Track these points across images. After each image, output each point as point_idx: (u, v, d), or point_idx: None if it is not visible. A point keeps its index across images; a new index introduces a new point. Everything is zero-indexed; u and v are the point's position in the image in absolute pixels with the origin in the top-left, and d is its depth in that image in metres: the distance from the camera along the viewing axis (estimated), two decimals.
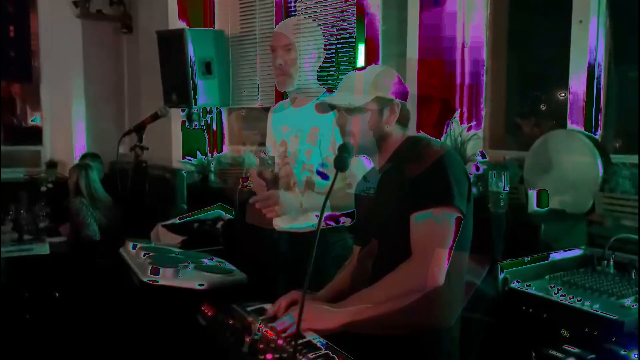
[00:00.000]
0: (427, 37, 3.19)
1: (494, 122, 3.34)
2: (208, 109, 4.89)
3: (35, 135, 5.88)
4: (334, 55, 3.79)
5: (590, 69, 2.81)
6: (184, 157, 4.94)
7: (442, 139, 3.08)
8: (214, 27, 4.91)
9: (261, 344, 1.56)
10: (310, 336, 1.60)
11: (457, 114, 3.24)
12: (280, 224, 2.46)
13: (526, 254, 2.06)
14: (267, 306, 1.89)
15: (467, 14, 3.26)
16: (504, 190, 2.65)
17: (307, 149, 2.38)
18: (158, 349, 2.14)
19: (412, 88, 1.94)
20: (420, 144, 1.83)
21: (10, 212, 4.13)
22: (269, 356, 1.48)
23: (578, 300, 1.77)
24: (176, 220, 3.71)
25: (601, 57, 2.81)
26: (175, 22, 4.87)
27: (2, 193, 4.36)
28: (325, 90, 2.47)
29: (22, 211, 4.14)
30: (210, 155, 4.91)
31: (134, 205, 3.29)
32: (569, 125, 2.88)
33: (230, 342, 1.66)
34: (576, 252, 2.21)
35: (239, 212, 2.90)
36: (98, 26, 5.63)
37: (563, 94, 3.03)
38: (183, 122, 4.87)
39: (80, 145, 5.64)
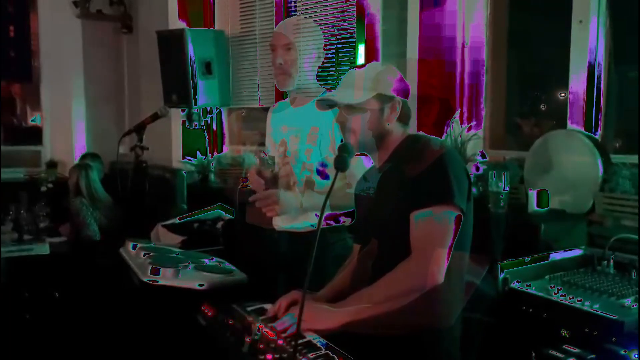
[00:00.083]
0: (427, 37, 3.19)
1: (494, 122, 3.34)
2: (208, 109, 4.89)
3: (35, 135, 5.88)
4: (334, 55, 3.79)
5: (590, 69, 2.81)
6: (184, 157, 4.94)
7: (442, 138, 3.08)
8: (214, 27, 4.91)
9: (261, 344, 1.56)
10: (310, 336, 1.60)
11: (457, 114, 3.24)
12: (280, 223, 2.46)
13: (526, 254, 2.06)
14: (267, 306, 1.89)
15: (467, 14, 3.27)
16: (504, 190, 2.65)
17: (307, 148, 2.38)
18: (158, 349, 2.14)
19: (412, 88, 1.94)
20: (421, 142, 1.83)
21: (10, 212, 4.13)
22: (269, 356, 1.48)
23: (578, 300, 1.77)
24: (176, 220, 3.70)
25: (601, 57, 2.81)
26: (175, 22, 4.87)
27: (2, 193, 4.36)
28: (325, 90, 2.47)
29: (22, 211, 4.14)
30: (210, 155, 4.91)
31: (134, 205, 3.29)
32: (569, 125, 2.88)
33: (230, 342, 1.66)
34: (576, 252, 2.21)
35: (239, 212, 2.91)
36: (98, 26, 5.63)
37: (563, 94, 3.03)
38: (183, 122, 4.87)
39: (80, 145, 5.64)
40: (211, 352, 1.80)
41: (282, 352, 1.50)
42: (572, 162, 2.70)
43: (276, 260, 2.49)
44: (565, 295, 1.82)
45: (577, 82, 2.85)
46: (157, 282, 1.98)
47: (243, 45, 4.69)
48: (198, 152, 4.89)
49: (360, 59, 3.58)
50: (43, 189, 5.20)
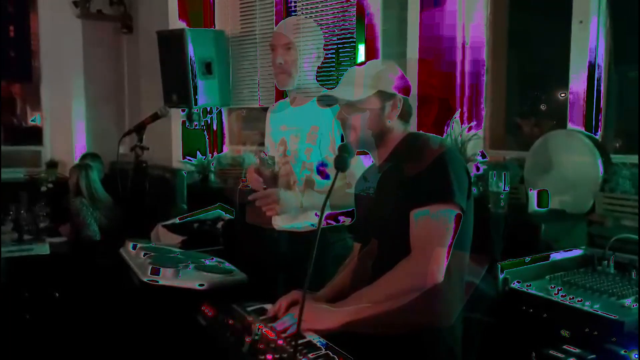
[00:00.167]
0: (427, 37, 3.19)
1: (494, 122, 3.34)
2: (208, 109, 4.89)
3: (35, 135, 5.88)
4: (334, 55, 3.79)
5: (591, 69, 2.81)
6: (184, 157, 4.94)
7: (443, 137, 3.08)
8: (214, 27, 4.91)
9: (261, 344, 1.56)
10: (310, 336, 1.60)
11: (457, 114, 3.24)
12: (280, 222, 2.45)
13: (526, 254, 2.06)
14: (267, 306, 1.89)
15: (467, 14, 3.26)
16: (504, 190, 2.65)
17: (306, 147, 2.38)
18: (158, 349, 2.14)
19: (413, 88, 1.94)
20: (421, 140, 1.82)
21: (11, 212, 4.13)
22: (269, 356, 1.48)
23: (578, 301, 1.77)
24: (176, 220, 3.71)
25: (601, 57, 2.81)
26: (176, 22, 4.87)
27: (2, 193, 4.36)
28: (325, 90, 2.46)
29: (22, 211, 4.14)
30: (210, 155, 4.91)
31: (134, 206, 3.29)
32: (569, 125, 2.88)
33: (230, 342, 1.66)
34: (576, 252, 2.21)
35: (239, 212, 2.90)
36: (98, 26, 5.63)
37: (563, 94, 3.03)
38: (183, 122, 4.87)
39: (80, 145, 5.64)
40: (211, 352, 1.80)
41: (282, 352, 1.50)
42: (572, 162, 2.70)
43: (276, 260, 2.49)
44: (565, 295, 1.82)
45: (577, 82, 2.85)
46: (157, 282, 1.98)
47: (243, 45, 4.69)
48: (198, 152, 4.89)
49: (361, 59, 3.59)
50: (43, 189, 5.20)
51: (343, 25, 3.77)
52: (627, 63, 2.82)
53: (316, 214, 2.32)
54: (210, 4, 4.95)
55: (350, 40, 3.71)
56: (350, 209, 2.29)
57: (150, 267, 2.01)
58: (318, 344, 1.55)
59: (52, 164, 5.56)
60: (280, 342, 1.58)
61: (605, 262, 2.09)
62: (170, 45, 4.51)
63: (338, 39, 3.78)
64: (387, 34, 3.37)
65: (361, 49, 3.59)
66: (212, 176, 4.73)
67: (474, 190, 2.80)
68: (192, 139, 4.98)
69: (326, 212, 1.68)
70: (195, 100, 4.47)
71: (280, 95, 3.59)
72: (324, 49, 2.48)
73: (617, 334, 1.61)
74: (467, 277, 1.80)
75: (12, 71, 5.80)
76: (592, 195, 2.63)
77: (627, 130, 2.87)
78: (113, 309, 2.95)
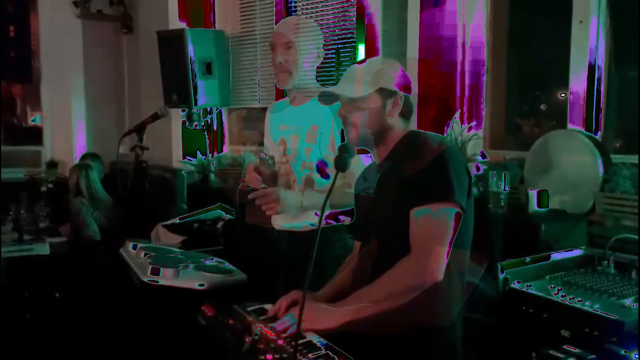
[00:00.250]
0: (427, 37, 3.19)
1: (494, 122, 3.34)
2: (208, 109, 4.89)
3: (35, 135, 5.88)
4: (334, 55, 3.79)
5: (591, 69, 2.81)
6: (184, 157, 4.94)
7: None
8: (214, 27, 4.91)
9: (261, 344, 1.56)
10: (310, 336, 1.60)
11: (457, 114, 3.24)
12: (280, 222, 2.45)
13: (527, 254, 2.06)
14: (267, 306, 1.89)
15: (467, 14, 3.27)
16: (504, 190, 2.65)
17: (306, 147, 2.38)
18: (158, 349, 2.14)
19: (413, 88, 1.95)
20: (421, 138, 1.82)
21: (11, 212, 4.12)
22: (269, 356, 1.48)
23: (578, 301, 1.77)
24: (176, 220, 3.70)
25: (601, 57, 2.81)
26: (176, 22, 4.87)
27: (2, 193, 4.36)
28: (325, 89, 2.46)
29: (22, 211, 4.14)
30: (210, 155, 4.91)
31: (134, 205, 3.29)
32: (569, 125, 2.88)
33: (230, 342, 1.66)
34: (576, 253, 2.20)
35: (239, 212, 2.90)
36: (98, 26, 5.63)
37: (563, 94, 3.03)
38: (183, 122, 4.87)
39: (80, 145, 5.64)
40: (211, 352, 1.80)
41: (282, 352, 1.50)
42: (572, 162, 2.70)
43: (276, 260, 2.49)
44: (565, 295, 1.82)
45: (577, 82, 2.85)
46: (157, 282, 1.97)
47: (243, 45, 4.69)
48: (198, 152, 4.89)
49: (361, 59, 3.58)
50: (43, 189, 5.20)
51: (343, 25, 3.77)
52: (627, 63, 2.82)
53: (316, 214, 2.32)
54: (210, 4, 4.96)
55: (350, 40, 3.71)
56: (350, 208, 2.29)
57: (150, 267, 2.01)
58: (318, 344, 1.55)
59: (52, 164, 5.56)
60: (280, 342, 1.58)
61: (606, 262, 2.09)
62: (170, 45, 4.51)
63: (338, 39, 3.78)
64: (387, 34, 3.37)
65: (361, 49, 3.59)
66: (212, 176, 4.73)
67: (474, 190, 2.80)
68: (192, 139, 4.98)
69: (326, 212, 1.68)
70: (195, 100, 4.47)
71: (280, 95, 3.58)
72: (324, 49, 2.48)
73: (617, 334, 1.61)
74: (467, 276, 1.80)
75: (12, 71, 5.80)
76: (592, 195, 2.63)
77: (627, 130, 2.87)
78: (113, 309, 2.95)
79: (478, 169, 3.01)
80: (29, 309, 3.50)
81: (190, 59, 4.41)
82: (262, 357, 1.49)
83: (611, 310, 1.69)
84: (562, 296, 1.82)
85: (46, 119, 5.83)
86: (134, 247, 2.35)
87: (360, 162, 2.12)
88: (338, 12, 3.81)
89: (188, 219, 3.71)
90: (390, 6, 3.35)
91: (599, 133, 2.83)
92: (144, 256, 2.21)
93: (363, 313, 1.64)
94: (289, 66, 2.37)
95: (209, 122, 4.98)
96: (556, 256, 2.14)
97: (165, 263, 2.08)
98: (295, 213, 2.34)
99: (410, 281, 1.63)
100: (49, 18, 5.61)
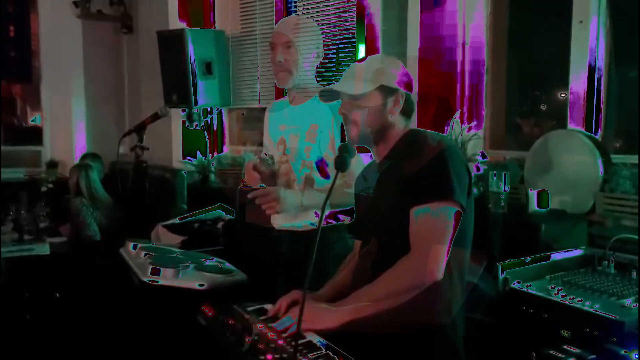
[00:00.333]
0: (428, 37, 3.19)
1: (494, 122, 3.34)
2: (208, 109, 4.89)
3: (35, 135, 5.88)
4: (334, 55, 3.79)
5: (591, 69, 2.81)
6: (184, 157, 4.94)
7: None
8: (214, 27, 4.91)
9: (261, 344, 1.56)
10: (310, 336, 1.60)
11: (457, 114, 3.24)
12: (280, 222, 2.45)
13: (527, 254, 2.06)
14: (268, 306, 1.89)
15: (467, 14, 3.27)
16: (504, 190, 2.65)
17: (306, 146, 2.38)
18: (158, 349, 2.14)
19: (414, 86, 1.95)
20: (421, 137, 1.81)
21: (11, 212, 4.12)
22: (269, 356, 1.48)
23: (578, 301, 1.77)
24: (176, 221, 3.70)
25: (601, 57, 2.81)
26: (176, 22, 4.87)
27: (2, 193, 4.36)
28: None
29: (22, 211, 4.14)
30: (210, 155, 4.91)
31: (134, 205, 3.29)
32: (569, 125, 2.88)
33: (230, 342, 1.66)
34: (577, 253, 2.20)
35: (239, 212, 2.90)
36: (98, 26, 5.63)
37: (563, 94, 3.03)
38: (183, 122, 4.87)
39: (80, 145, 5.64)
40: (211, 352, 1.80)
41: (282, 352, 1.50)
42: (572, 162, 2.70)
43: (276, 260, 2.49)
44: (565, 295, 1.82)
45: (578, 82, 2.85)
46: (158, 282, 1.97)
47: (243, 45, 4.69)
48: (198, 152, 4.89)
49: None
50: (43, 189, 5.19)
51: (343, 25, 3.77)
52: (627, 63, 2.82)
53: (316, 213, 2.32)
54: (210, 4, 4.96)
55: (350, 40, 3.71)
56: (350, 208, 2.29)
57: (150, 267, 2.01)
58: (318, 344, 1.55)
59: (52, 164, 5.56)
60: (280, 342, 1.58)
61: (606, 262, 2.09)
62: (171, 45, 4.51)
63: (338, 39, 3.78)
64: (387, 34, 3.37)
65: (361, 49, 3.59)
66: (212, 176, 4.73)
67: (474, 190, 2.80)
68: (192, 139, 4.98)
69: (326, 212, 1.68)
70: (196, 100, 4.47)
71: (280, 95, 3.58)
72: (324, 49, 2.48)
73: (617, 334, 1.61)
74: (467, 275, 1.80)
75: (12, 71, 5.79)
76: (592, 195, 2.63)
77: (627, 130, 2.87)
78: (113, 309, 2.95)
79: (478, 169, 3.01)
80: (29, 309, 3.50)
81: (191, 59, 4.41)
82: (262, 357, 1.49)
83: (611, 310, 1.69)
84: (562, 296, 1.82)
85: (46, 119, 5.82)
86: (134, 247, 2.35)
87: (360, 162, 2.12)
88: (338, 12, 3.81)
89: (188, 219, 3.71)
90: (390, 6, 3.35)
91: (599, 133, 2.83)
92: (144, 256, 2.21)
93: (363, 312, 1.64)
94: (289, 65, 2.37)
95: (209, 122, 4.98)
96: (556, 256, 2.14)
97: (165, 263, 2.08)
98: (295, 212, 2.34)
99: (410, 280, 1.63)
100: (49, 18, 5.61)
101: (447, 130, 3.14)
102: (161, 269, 2.00)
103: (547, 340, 1.73)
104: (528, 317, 1.86)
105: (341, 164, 1.72)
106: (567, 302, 1.77)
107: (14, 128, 6.05)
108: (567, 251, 2.20)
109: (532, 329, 1.83)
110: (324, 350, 1.51)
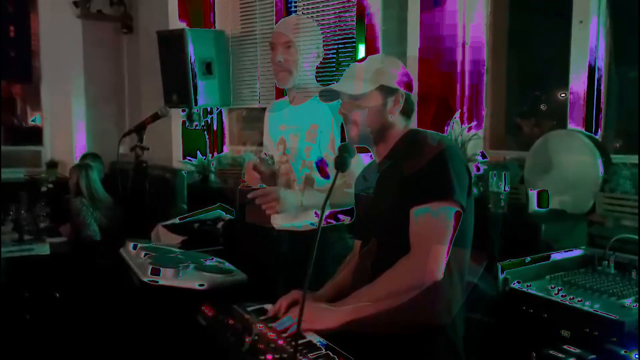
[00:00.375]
0: (428, 37, 3.19)
1: (494, 122, 3.34)
2: (208, 109, 4.90)
3: (35, 135, 5.88)
4: (334, 55, 3.79)
5: (591, 69, 2.81)
6: (184, 157, 4.94)
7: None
8: (214, 27, 4.91)
9: (261, 344, 1.56)
10: (310, 336, 1.60)
11: (457, 114, 3.24)
12: (280, 222, 2.45)
13: (527, 254, 2.06)
14: (268, 306, 1.89)
15: (467, 14, 3.27)
16: (504, 190, 2.65)
17: (306, 146, 2.38)
18: (158, 349, 2.14)
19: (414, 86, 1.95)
20: (421, 136, 1.81)
21: (11, 212, 4.12)
22: (269, 356, 1.48)
23: (578, 301, 1.77)
24: (176, 220, 3.70)
25: (601, 57, 2.81)
26: (176, 22, 4.88)
27: (2, 193, 4.36)
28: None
29: (22, 211, 4.14)
30: (210, 155, 4.91)
31: (134, 205, 3.29)
32: (569, 125, 2.88)
33: (230, 342, 1.66)
34: (577, 253, 2.20)
35: (239, 212, 2.90)
36: (98, 26, 5.63)
37: (563, 94, 3.03)
38: (183, 122, 4.88)
39: (80, 145, 5.64)
40: (211, 352, 1.80)
41: (282, 352, 1.50)
42: (572, 162, 2.70)
43: (276, 260, 2.49)
44: (565, 295, 1.82)
45: (578, 82, 2.85)
46: (158, 282, 1.97)
47: (243, 45, 4.69)
48: (198, 152, 4.89)
49: None
50: (43, 189, 5.19)
51: (343, 25, 3.77)
52: (627, 63, 2.82)
53: (316, 213, 2.32)
54: (210, 4, 4.96)
55: (350, 40, 3.71)
56: (350, 208, 2.29)
57: (150, 267, 2.01)
58: (318, 344, 1.55)
59: (52, 164, 5.56)
60: (280, 342, 1.58)
61: (606, 262, 2.09)
62: (171, 45, 4.51)
63: (338, 39, 3.78)
64: (387, 34, 3.37)
65: (361, 49, 3.59)
66: (212, 176, 4.73)
67: (474, 190, 2.80)
68: (192, 139, 4.98)
69: (326, 212, 1.68)
70: (196, 100, 4.47)
71: (280, 95, 3.59)
72: (324, 49, 2.48)
73: (618, 334, 1.61)
74: (467, 275, 1.80)
75: (12, 71, 5.79)
76: (592, 195, 2.63)
77: (627, 130, 2.87)
78: (113, 309, 2.95)
79: (478, 169, 3.01)
80: (29, 309, 3.50)
81: (190, 59, 4.41)
82: (262, 357, 1.49)
83: (611, 310, 1.69)
84: (562, 296, 1.82)
85: (46, 119, 5.82)
86: (134, 247, 2.35)
87: (360, 162, 2.12)
88: (338, 12, 3.81)
89: (188, 219, 3.71)
90: (390, 6, 3.35)
91: (599, 133, 2.83)
92: (144, 256, 2.21)
93: (363, 312, 1.64)
94: (289, 65, 2.37)
95: (209, 122, 4.98)
96: (556, 256, 2.14)
97: (165, 263, 2.08)
98: (295, 212, 2.34)
99: (410, 280, 1.63)
100: (49, 18, 5.61)
101: (447, 130, 3.14)
102: (161, 269, 2.00)
103: (547, 340, 1.73)
104: (528, 317, 1.86)
105: (341, 164, 1.72)
106: (567, 302, 1.77)
107: (14, 128, 6.05)
108: (567, 251, 2.20)
109: (532, 329, 1.83)
110: (324, 350, 1.51)
